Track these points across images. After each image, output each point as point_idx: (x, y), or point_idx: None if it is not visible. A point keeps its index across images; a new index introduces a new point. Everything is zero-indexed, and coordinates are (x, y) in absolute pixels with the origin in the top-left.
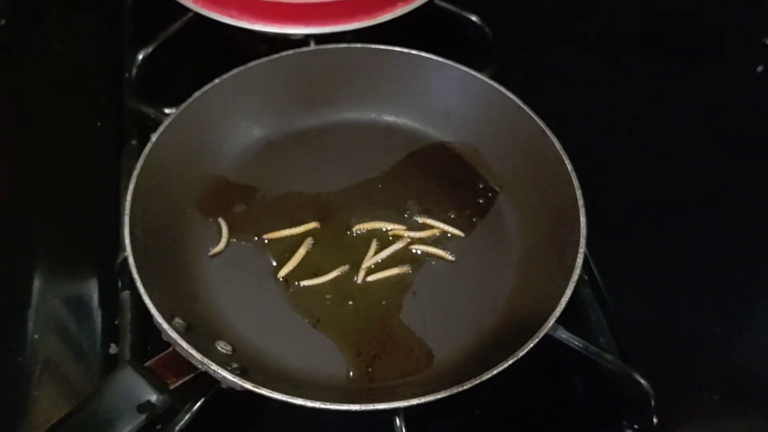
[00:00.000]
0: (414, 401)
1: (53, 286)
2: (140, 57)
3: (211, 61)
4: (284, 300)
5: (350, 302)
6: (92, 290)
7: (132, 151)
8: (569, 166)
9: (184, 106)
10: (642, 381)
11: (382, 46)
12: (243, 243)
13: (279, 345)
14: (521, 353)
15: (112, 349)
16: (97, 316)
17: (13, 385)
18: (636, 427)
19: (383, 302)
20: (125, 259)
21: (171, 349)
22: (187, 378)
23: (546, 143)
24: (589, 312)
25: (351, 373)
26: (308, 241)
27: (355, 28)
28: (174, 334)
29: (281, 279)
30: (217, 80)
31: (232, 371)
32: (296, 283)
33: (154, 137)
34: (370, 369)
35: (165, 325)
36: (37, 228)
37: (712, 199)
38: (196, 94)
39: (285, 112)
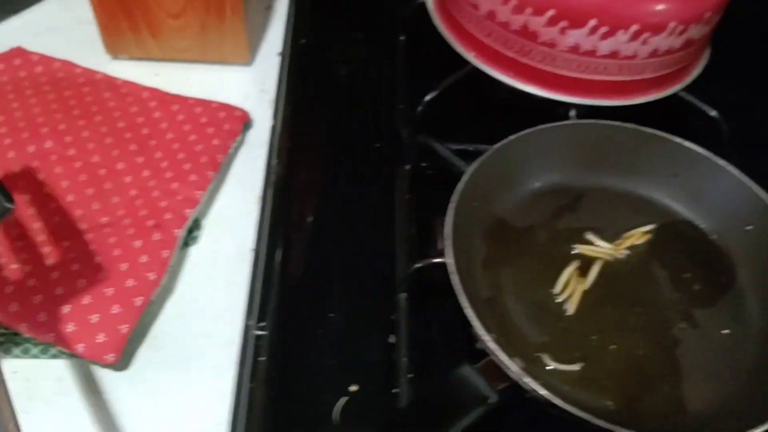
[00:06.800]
0: None
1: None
2: (427, 99)
3: (478, 109)
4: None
5: (613, 346)
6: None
7: (404, 173)
8: None
9: (493, 149)
10: None
11: (650, 130)
12: None
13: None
14: None
15: (391, 338)
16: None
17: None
18: None
19: (640, 352)
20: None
21: (488, 358)
22: (506, 384)
23: None
24: None
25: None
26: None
27: (609, 105)
28: (494, 346)
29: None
30: (512, 137)
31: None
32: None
33: (465, 176)
34: (629, 408)
35: (486, 337)
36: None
37: None
38: (502, 142)
39: (557, 169)
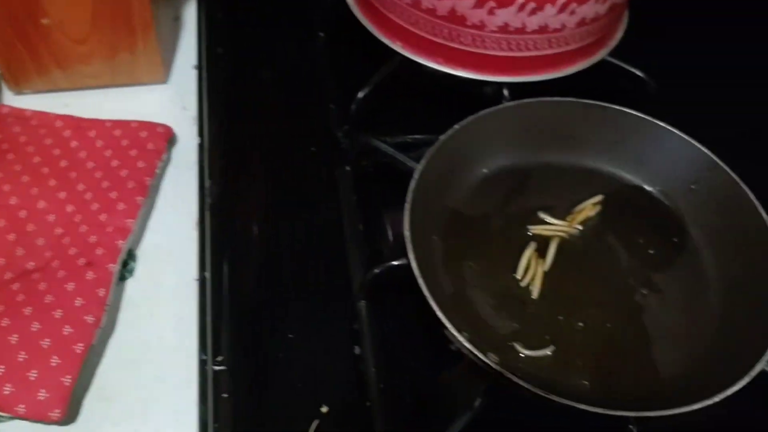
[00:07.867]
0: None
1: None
2: (360, 96)
3: (407, 98)
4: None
5: (580, 324)
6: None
7: (346, 174)
8: (764, 215)
9: (439, 141)
10: None
11: (587, 101)
12: None
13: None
14: (735, 388)
15: (356, 349)
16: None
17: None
18: None
19: (608, 325)
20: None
21: (464, 360)
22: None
23: (737, 192)
24: None
25: (588, 384)
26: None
27: (540, 80)
28: (469, 345)
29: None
30: (456, 126)
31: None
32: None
33: (416, 173)
34: (605, 383)
35: (460, 338)
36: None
37: None
38: (447, 133)
39: (502, 152)
